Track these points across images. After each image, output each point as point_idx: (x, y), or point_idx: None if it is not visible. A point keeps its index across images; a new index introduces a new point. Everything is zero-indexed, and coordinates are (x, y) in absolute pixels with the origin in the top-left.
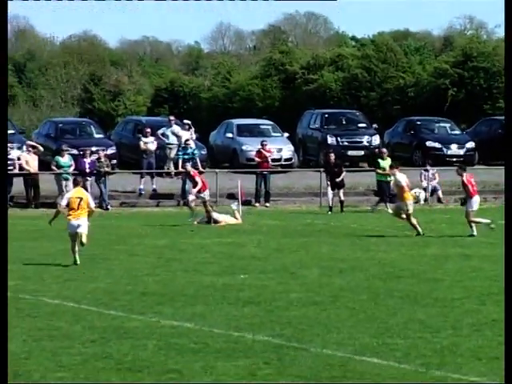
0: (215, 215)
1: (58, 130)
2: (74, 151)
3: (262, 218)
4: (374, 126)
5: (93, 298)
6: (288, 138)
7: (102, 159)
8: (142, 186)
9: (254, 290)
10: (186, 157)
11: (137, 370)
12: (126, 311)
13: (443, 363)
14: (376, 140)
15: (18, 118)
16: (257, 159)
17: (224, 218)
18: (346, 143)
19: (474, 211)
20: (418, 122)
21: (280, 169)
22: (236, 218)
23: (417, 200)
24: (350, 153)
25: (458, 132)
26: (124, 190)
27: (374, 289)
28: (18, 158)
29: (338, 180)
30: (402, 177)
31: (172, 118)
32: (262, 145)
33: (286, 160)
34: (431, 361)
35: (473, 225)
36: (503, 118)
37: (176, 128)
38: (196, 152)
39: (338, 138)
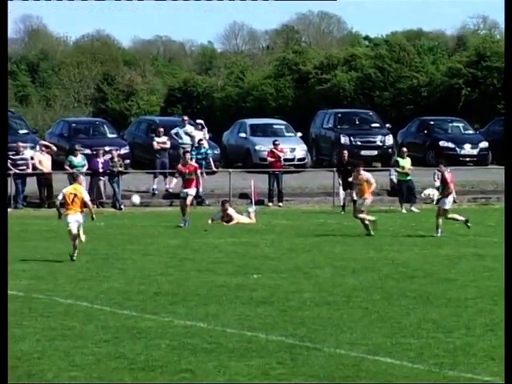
0: (230, 210)
1: (71, 130)
2: (88, 151)
3: (275, 218)
4: (388, 125)
5: (106, 298)
6: (301, 137)
7: (116, 159)
8: (155, 186)
9: (267, 290)
10: (199, 156)
11: (150, 370)
12: (139, 311)
13: (456, 363)
14: (389, 140)
15: (31, 117)
16: (269, 159)
17: (238, 216)
18: (359, 143)
19: (447, 210)
20: (432, 122)
21: (293, 169)
22: (250, 218)
23: (431, 200)
24: (363, 153)
25: (471, 132)
26: (137, 190)
27: (387, 289)
28: (32, 158)
29: (350, 180)
30: (369, 174)
31: (186, 117)
32: (274, 144)
33: (299, 160)
34: (444, 361)
35: (439, 226)
36: None
37: (189, 128)
38: (209, 152)
39: (352, 138)
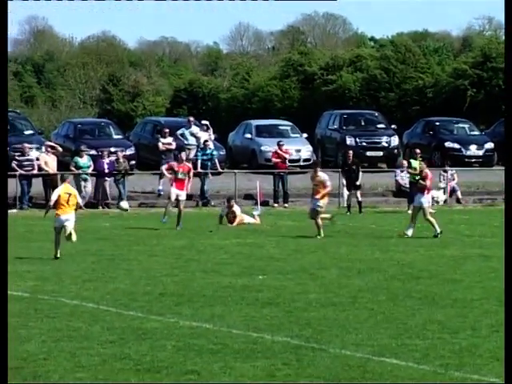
0: (235, 208)
1: (76, 131)
2: (93, 152)
3: (281, 219)
4: (393, 126)
5: (112, 299)
6: (307, 138)
7: (121, 160)
8: (160, 187)
9: (272, 291)
10: (204, 157)
11: (155, 371)
12: (144, 312)
13: (462, 364)
14: (395, 141)
15: (36, 118)
16: (274, 160)
17: (242, 215)
18: (364, 144)
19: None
20: (437, 123)
21: (299, 169)
22: (255, 219)
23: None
24: (368, 153)
25: (477, 133)
26: (143, 191)
27: (392, 289)
28: (37, 159)
29: (357, 183)
30: (326, 176)
31: (191, 118)
32: (278, 145)
33: (305, 160)
34: (450, 362)
35: (434, 223)
36: None
37: (195, 129)
38: (215, 153)
39: (357, 139)
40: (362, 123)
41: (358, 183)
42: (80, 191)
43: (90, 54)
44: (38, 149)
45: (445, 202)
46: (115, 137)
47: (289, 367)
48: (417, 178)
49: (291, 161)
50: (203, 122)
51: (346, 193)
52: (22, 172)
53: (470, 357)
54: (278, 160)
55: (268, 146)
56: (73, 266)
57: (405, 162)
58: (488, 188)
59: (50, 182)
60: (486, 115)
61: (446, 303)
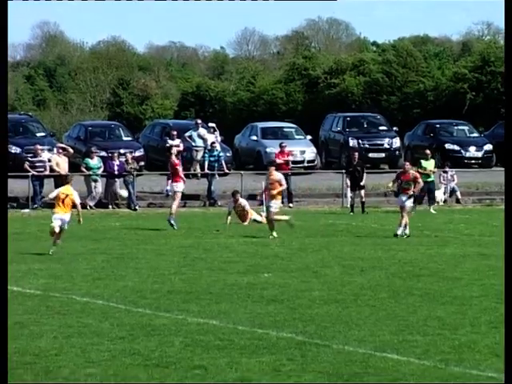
0: (241, 201)
1: (87, 133)
2: (103, 153)
3: None
4: (395, 128)
5: (121, 296)
6: (311, 140)
7: (130, 161)
8: (168, 187)
9: (277, 289)
10: (211, 159)
11: (164, 366)
12: (153, 309)
13: (462, 359)
14: (396, 142)
15: (48, 120)
16: (278, 160)
17: (250, 210)
18: (367, 145)
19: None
20: (438, 125)
21: (303, 170)
22: (261, 217)
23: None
24: (371, 155)
25: (476, 135)
26: (151, 191)
27: (394, 287)
28: (49, 160)
29: (361, 183)
30: (281, 176)
31: (199, 121)
32: (280, 147)
33: (309, 162)
34: (450, 357)
35: (407, 224)
36: None
37: (202, 131)
38: (221, 154)
39: (360, 141)
40: (365, 125)
41: (362, 183)
42: (90, 192)
43: (100, 59)
44: (50, 150)
45: (445, 202)
46: (125, 139)
47: (293, 362)
48: (429, 180)
49: (296, 162)
50: (210, 124)
51: (349, 193)
52: (35, 173)
53: (469, 352)
54: (283, 161)
55: (273, 148)
56: (83, 265)
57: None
58: (487, 188)
59: (62, 183)
60: (484, 118)
61: (446, 300)
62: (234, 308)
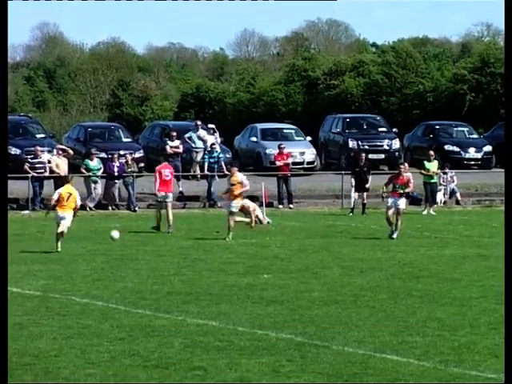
0: (245, 200)
1: (87, 134)
2: (103, 155)
3: (285, 220)
4: (394, 130)
5: (121, 297)
6: (310, 141)
7: (130, 162)
8: None
9: (277, 290)
10: (211, 160)
11: (163, 367)
12: (152, 310)
13: (461, 360)
14: (396, 144)
15: (48, 122)
16: (278, 162)
17: (254, 206)
18: (366, 147)
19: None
20: (437, 126)
21: (303, 172)
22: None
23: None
24: (370, 156)
25: (475, 136)
26: (151, 193)
27: (393, 288)
28: (49, 162)
29: (367, 186)
30: (243, 176)
31: (199, 122)
32: (279, 148)
33: (309, 163)
34: (449, 358)
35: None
36: None
37: (202, 132)
38: (221, 155)
39: (359, 142)
40: (364, 127)
41: (367, 186)
42: (90, 193)
43: (99, 60)
44: (50, 152)
45: (444, 203)
46: (124, 140)
47: (293, 363)
48: (432, 181)
49: (295, 163)
50: (209, 125)
51: (353, 194)
52: (34, 174)
53: (468, 353)
54: (282, 163)
55: (273, 149)
56: (83, 266)
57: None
58: (486, 189)
59: (61, 184)
60: (484, 119)
61: (446, 301)
62: (233, 309)
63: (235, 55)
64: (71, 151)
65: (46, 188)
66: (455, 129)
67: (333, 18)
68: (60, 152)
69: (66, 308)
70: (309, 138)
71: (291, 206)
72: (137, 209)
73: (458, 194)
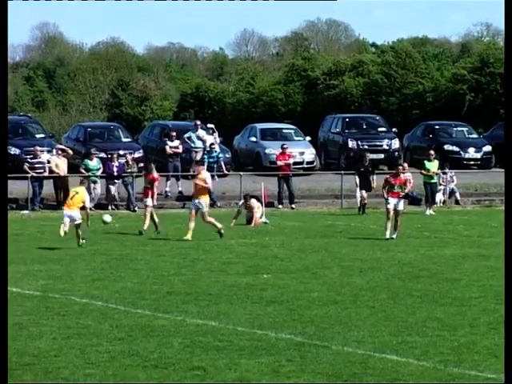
0: (252, 200)
1: (86, 134)
2: (103, 155)
3: (285, 220)
4: (394, 130)
5: (120, 297)
6: (310, 141)
7: (130, 162)
8: (168, 189)
9: (276, 290)
10: (211, 160)
11: (163, 367)
12: (152, 310)
13: (461, 360)
14: (395, 144)
15: (48, 122)
16: (279, 162)
17: (259, 206)
18: (366, 147)
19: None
20: (437, 126)
21: (302, 172)
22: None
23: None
24: (370, 156)
25: (475, 136)
26: None
27: (393, 288)
28: (48, 162)
29: (373, 185)
30: (208, 175)
31: (198, 122)
32: (282, 148)
33: (308, 163)
34: (449, 358)
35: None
36: None
37: (201, 132)
38: (221, 155)
39: (359, 142)
40: (364, 127)
41: (373, 185)
42: (89, 193)
43: (99, 60)
44: (49, 152)
45: (444, 203)
46: (124, 140)
47: (292, 363)
48: (432, 181)
49: (295, 163)
50: (209, 125)
51: (358, 193)
52: (34, 174)
53: (468, 353)
54: (284, 163)
55: (272, 149)
56: (82, 266)
57: (405, 165)
58: (486, 189)
59: (61, 184)
60: (484, 119)
61: (445, 301)
62: (233, 309)
63: (235, 55)
64: (71, 151)
65: (46, 188)
66: (455, 129)
67: (332, 18)
68: (59, 152)
69: (66, 308)
70: (308, 138)
71: (293, 206)
72: (136, 209)
73: (457, 194)
